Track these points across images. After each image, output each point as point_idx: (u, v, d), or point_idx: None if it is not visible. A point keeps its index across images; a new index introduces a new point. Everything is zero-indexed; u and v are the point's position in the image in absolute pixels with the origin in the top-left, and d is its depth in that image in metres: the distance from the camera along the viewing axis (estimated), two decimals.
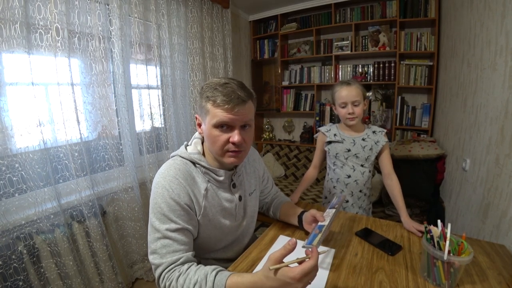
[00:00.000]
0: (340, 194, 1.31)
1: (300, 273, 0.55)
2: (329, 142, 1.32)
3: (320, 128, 1.37)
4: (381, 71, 2.49)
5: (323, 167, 1.40)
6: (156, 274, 0.71)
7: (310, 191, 2.53)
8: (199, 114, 0.80)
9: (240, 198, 0.90)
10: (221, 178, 0.83)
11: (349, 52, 2.60)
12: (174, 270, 0.69)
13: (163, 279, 0.69)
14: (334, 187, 1.35)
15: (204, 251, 0.89)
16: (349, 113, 1.20)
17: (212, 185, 0.83)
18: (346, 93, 1.19)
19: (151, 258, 0.72)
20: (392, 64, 2.42)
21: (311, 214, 0.92)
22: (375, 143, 1.25)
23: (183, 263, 0.71)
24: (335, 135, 1.30)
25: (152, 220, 0.74)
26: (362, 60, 2.68)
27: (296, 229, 1.04)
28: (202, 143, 0.88)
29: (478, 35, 1.44)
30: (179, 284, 0.66)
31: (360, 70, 2.65)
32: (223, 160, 0.79)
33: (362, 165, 1.28)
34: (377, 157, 1.28)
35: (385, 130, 1.27)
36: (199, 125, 0.83)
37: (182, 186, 0.76)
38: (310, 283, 0.59)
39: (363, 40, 2.57)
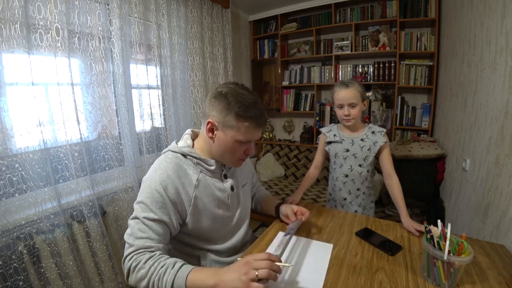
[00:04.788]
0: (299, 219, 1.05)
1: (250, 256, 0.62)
2: (329, 142, 1.34)
3: (322, 129, 1.38)
4: (381, 71, 2.49)
5: (324, 167, 1.40)
6: (126, 252, 0.72)
7: (310, 191, 2.53)
8: (219, 122, 0.79)
9: (232, 188, 0.92)
10: (213, 168, 0.86)
11: (349, 52, 2.60)
12: (145, 253, 0.70)
13: (131, 259, 0.70)
14: (334, 185, 1.37)
15: (201, 242, 0.90)
16: (345, 115, 1.22)
17: (204, 175, 0.86)
18: (343, 95, 1.21)
19: (126, 237, 0.74)
20: (392, 64, 2.42)
21: (284, 214, 1.02)
22: (374, 144, 1.25)
23: (154, 251, 0.73)
24: (334, 135, 1.32)
25: (135, 207, 0.77)
26: (362, 60, 2.68)
27: None
28: (193, 139, 0.92)
29: (478, 35, 1.44)
30: (147, 265, 0.68)
31: (360, 70, 2.65)
32: (229, 164, 0.89)
33: (360, 165, 1.28)
34: (377, 157, 1.28)
35: (385, 130, 1.27)
36: (211, 130, 0.81)
37: (171, 179, 0.78)
38: (256, 276, 0.58)
39: (363, 40, 2.57)
